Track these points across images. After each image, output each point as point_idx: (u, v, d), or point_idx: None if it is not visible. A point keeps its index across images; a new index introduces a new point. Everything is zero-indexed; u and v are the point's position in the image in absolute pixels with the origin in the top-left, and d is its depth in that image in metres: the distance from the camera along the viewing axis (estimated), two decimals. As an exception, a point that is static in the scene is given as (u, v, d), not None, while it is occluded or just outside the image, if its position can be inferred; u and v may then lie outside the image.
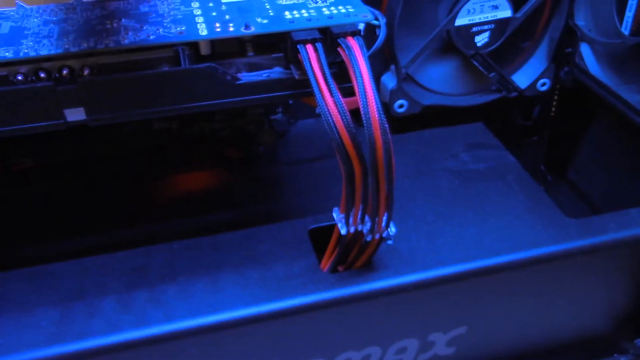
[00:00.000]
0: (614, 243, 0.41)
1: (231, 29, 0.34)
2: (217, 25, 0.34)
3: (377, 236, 0.36)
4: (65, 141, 0.50)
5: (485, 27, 0.50)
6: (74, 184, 0.51)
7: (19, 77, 0.32)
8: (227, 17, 0.35)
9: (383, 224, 0.35)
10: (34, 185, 0.51)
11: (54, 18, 0.36)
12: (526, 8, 0.50)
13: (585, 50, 0.53)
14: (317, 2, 0.36)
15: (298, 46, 0.33)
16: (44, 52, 0.32)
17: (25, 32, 0.34)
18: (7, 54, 0.32)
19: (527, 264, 0.39)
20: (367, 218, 0.34)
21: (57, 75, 0.33)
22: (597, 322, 0.46)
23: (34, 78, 0.33)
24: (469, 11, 0.49)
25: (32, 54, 0.32)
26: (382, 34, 0.36)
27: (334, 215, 0.35)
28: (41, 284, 0.38)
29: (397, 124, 0.51)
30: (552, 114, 0.60)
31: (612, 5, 0.49)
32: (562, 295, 0.43)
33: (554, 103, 0.59)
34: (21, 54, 0.32)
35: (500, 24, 0.50)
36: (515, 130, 0.61)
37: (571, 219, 0.42)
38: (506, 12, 0.50)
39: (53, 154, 0.50)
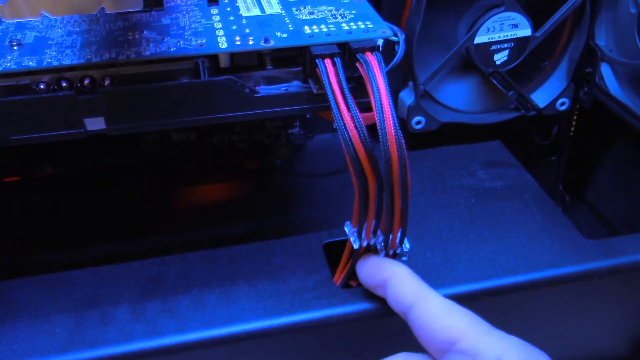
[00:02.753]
0: (632, 265, 0.40)
1: (251, 42, 0.34)
2: (237, 38, 0.35)
3: (390, 252, 0.35)
4: (85, 150, 0.50)
5: (505, 45, 0.50)
6: (92, 193, 0.52)
7: (42, 86, 0.33)
8: (247, 30, 0.36)
9: (397, 240, 0.35)
10: (53, 193, 0.51)
11: (78, 29, 0.36)
12: (546, 27, 0.50)
13: (605, 70, 0.52)
14: (336, 18, 0.37)
15: (316, 60, 0.33)
16: (66, 61, 0.33)
17: (49, 42, 0.35)
18: (31, 63, 0.32)
19: (543, 284, 0.39)
20: (379, 232, 0.34)
21: (78, 84, 0.33)
22: (612, 346, 0.45)
23: (55, 87, 0.33)
24: (488, 29, 0.49)
25: (55, 63, 0.33)
26: (400, 50, 0.36)
27: (346, 229, 0.35)
28: (57, 291, 0.38)
29: (414, 140, 0.51)
30: (571, 133, 0.60)
31: (634, 26, 0.49)
32: (577, 317, 0.42)
33: (573, 123, 0.59)
34: (44, 64, 0.32)
35: (520, 42, 0.50)
36: (533, 149, 0.60)
37: (589, 240, 0.41)
38: (526, 31, 0.50)
39: (73, 163, 0.51)
